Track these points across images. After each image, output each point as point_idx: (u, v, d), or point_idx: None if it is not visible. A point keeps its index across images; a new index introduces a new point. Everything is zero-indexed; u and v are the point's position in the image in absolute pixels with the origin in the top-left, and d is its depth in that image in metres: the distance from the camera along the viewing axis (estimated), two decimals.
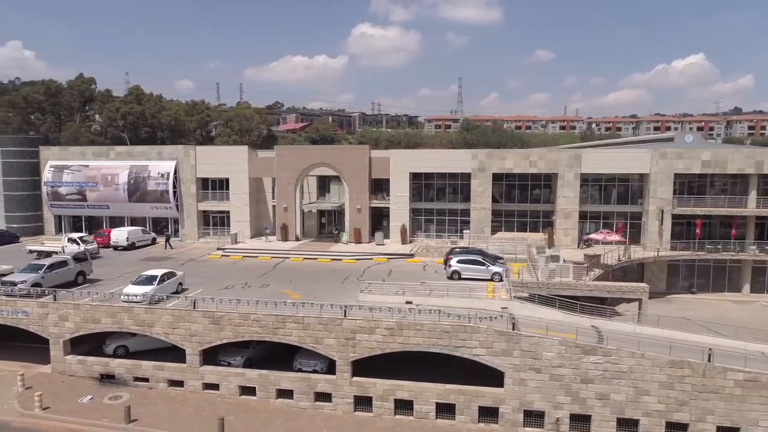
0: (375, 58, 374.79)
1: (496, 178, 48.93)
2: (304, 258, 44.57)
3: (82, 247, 42.88)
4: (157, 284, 31.72)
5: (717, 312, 40.79)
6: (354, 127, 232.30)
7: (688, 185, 46.66)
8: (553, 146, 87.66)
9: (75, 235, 45.59)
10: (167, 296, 31.34)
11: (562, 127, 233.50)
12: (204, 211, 53.37)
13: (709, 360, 24.45)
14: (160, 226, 54.02)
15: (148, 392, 29.38)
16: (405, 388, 27.08)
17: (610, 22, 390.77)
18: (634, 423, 25.24)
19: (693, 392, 24.51)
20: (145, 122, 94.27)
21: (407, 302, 30.95)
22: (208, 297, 30.13)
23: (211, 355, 29.75)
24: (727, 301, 43.88)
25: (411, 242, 48.47)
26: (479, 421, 26.64)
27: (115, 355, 30.90)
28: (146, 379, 29.75)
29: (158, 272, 32.93)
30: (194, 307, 29.08)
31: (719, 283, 45.94)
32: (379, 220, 50.71)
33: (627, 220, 47.31)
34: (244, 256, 45.24)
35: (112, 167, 53.30)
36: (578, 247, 46.00)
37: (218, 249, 47.37)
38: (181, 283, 34.20)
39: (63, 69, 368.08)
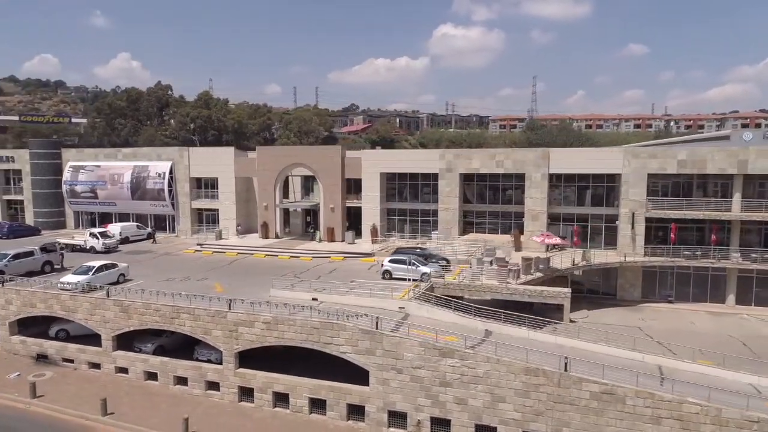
0: (456, 58, 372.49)
1: (468, 178, 48.20)
2: (267, 255, 46.25)
3: (100, 241, 46.96)
4: (93, 274, 34.47)
5: (682, 324, 37.92)
6: (422, 128, 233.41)
7: (673, 187, 43.56)
8: (621, 145, 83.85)
9: (96, 230, 49.71)
10: (102, 286, 33.89)
11: (637, 126, 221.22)
12: (197, 209, 56.56)
13: (565, 369, 23.24)
14: (161, 222, 57.88)
15: (71, 372, 32.21)
16: (281, 382, 27.87)
17: (712, 9, 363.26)
18: (492, 430, 24.47)
19: (549, 402, 23.41)
20: (212, 126, 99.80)
21: (313, 299, 31.70)
22: (132, 287, 32.54)
23: (130, 341, 32.05)
24: (704, 313, 40.47)
25: (381, 242, 48.73)
26: (348, 419, 26.88)
27: (56, 338, 34.01)
28: (71, 360, 32.53)
29: (97, 263, 35.74)
30: (108, 296, 31.44)
31: (700, 293, 42.41)
32: (357, 219, 51.38)
33: (602, 223, 44.88)
34: (213, 252, 47.67)
35: (119, 167, 57.86)
36: (546, 250, 44.22)
37: (198, 244, 50.18)
38: (123, 274, 36.85)
39: (164, 77, 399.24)
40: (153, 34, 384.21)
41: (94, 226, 57.29)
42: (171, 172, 55.92)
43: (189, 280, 37.71)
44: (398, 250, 40.85)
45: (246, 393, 28.75)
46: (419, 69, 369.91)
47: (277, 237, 52.29)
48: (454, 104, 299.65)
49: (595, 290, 44.58)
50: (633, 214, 42.16)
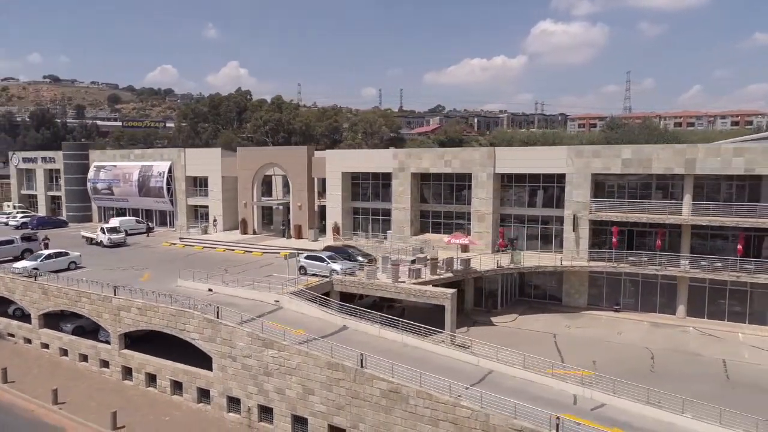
0: (556, 55, 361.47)
1: (425, 178, 48.08)
2: (226, 249, 49.09)
3: (107, 236, 51.85)
4: (41, 261, 38.95)
5: (607, 333, 35.75)
6: (500, 128, 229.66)
7: (628, 188, 40.85)
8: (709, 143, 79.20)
9: (106, 226, 54.83)
10: (51, 271, 38.10)
11: (735, 123, 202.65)
12: (193, 206, 60.85)
13: (361, 365, 23.46)
14: (164, 217, 62.93)
15: (13, 346, 36.74)
16: (151, 363, 30.24)
17: None
18: (305, 421, 25.15)
19: (348, 397, 23.72)
20: (282, 128, 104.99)
21: (209, 290, 33.89)
22: (72, 274, 36.60)
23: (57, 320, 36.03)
24: (646, 323, 37.68)
25: (344, 239, 49.83)
26: (199, 402, 28.67)
27: (14, 316, 38.82)
28: (13, 335, 37.10)
29: (47, 252, 40.29)
30: (35, 280, 35.56)
31: (649, 302, 39.39)
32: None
33: (552, 225, 42.98)
34: (185, 245, 51.34)
35: (130, 167, 63.66)
36: (492, 251, 43.17)
37: (179, 238, 54.18)
38: (74, 262, 41.16)
39: (268, 83, 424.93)
40: (258, 43, 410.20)
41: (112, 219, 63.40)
42: (170, 171, 60.67)
43: (132, 269, 41.26)
44: (327, 248, 41.89)
45: (128, 372, 31.39)
46: (516, 68, 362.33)
47: (254, 233, 55.08)
48: (543, 103, 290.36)
49: (542, 295, 42.88)
50: (574, 216, 40.09)
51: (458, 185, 46.90)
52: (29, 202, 75.69)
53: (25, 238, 45.78)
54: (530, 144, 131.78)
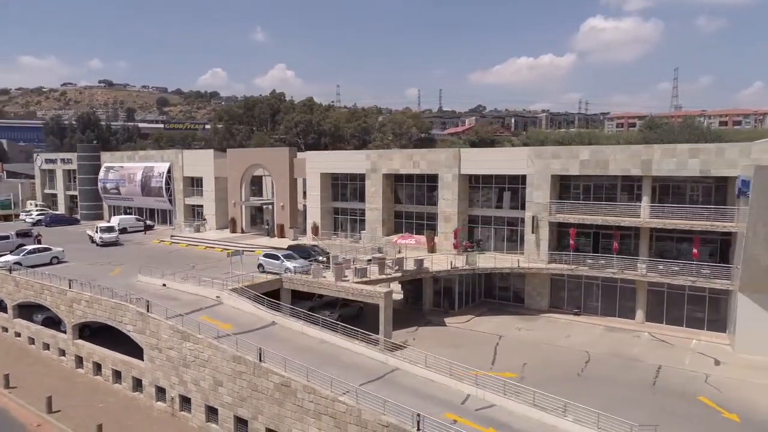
0: (606, 53, 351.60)
1: (399, 179, 48.54)
2: (206, 247, 50.98)
3: (97, 235, 54.20)
4: (23, 255, 41.70)
5: (554, 337, 35.31)
6: (540, 127, 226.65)
7: (594, 190, 40.15)
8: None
9: (100, 225, 57.80)
10: (33, 265, 40.78)
11: None
12: (190, 205, 63.26)
13: (259, 359, 24.36)
14: (165, 216, 65.66)
15: None
16: (97, 353, 32.12)
17: None
18: (216, 412, 26.26)
19: (249, 389, 24.68)
20: (312, 129, 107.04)
21: (163, 285, 35.60)
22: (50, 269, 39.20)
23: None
24: (601, 327, 36.97)
25: (322, 238, 50.89)
26: (134, 390, 30.26)
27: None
28: None
29: (30, 247, 43.05)
30: (9, 272, 38.17)
31: (610, 306, 38.59)
32: None
33: (518, 227, 42.64)
34: (172, 243, 53.56)
35: (134, 168, 66.74)
36: (458, 252, 43.20)
37: (171, 236, 56.54)
38: (57, 257, 43.79)
39: (313, 84, 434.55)
40: (304, 45, 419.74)
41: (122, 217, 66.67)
42: (169, 172, 63.28)
43: (109, 264, 43.56)
44: (289, 247, 42.96)
45: (80, 361, 33.37)
46: (564, 66, 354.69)
47: (242, 232, 56.88)
48: (587, 102, 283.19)
49: (507, 297, 42.63)
50: (533, 217, 39.72)
51: (429, 186, 47.11)
52: (51, 200, 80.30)
53: (20, 234, 48.95)
54: (563, 143, 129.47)
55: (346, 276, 35.19)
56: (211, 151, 62.47)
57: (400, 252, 43.14)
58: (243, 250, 38.66)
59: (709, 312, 35.21)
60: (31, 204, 78.10)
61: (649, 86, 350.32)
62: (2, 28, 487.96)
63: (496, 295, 43.14)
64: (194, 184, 62.86)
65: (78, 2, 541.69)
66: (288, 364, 23.60)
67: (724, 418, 24.27)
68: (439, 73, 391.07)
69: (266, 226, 56.36)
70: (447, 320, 38.65)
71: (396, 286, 39.59)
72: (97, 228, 55.27)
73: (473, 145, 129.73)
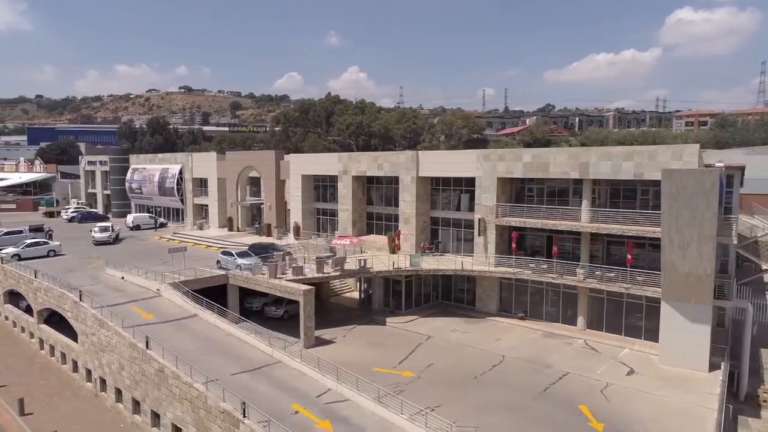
0: (695, 46, 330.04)
1: (370, 181, 49.62)
2: (195, 244, 54.19)
3: (91, 234, 58.99)
4: (23, 248, 46.53)
5: (483, 340, 35.21)
6: (608, 126, 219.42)
7: (547, 193, 39.60)
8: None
9: (98, 225, 60.68)
10: (32, 257, 45.58)
11: None
12: (199, 204, 67.25)
13: (146, 346, 26.54)
14: (178, 214, 70.16)
15: None
16: (51, 337, 35.67)
17: None
18: (121, 393, 28.76)
19: (140, 374, 26.95)
20: (363, 131, 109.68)
21: (122, 277, 38.91)
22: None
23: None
24: (540, 332, 36.43)
25: (303, 238, 52.90)
26: (74, 371, 33.49)
27: None
28: None
29: (29, 240, 47.86)
30: (2, 263, 42.86)
31: (553, 312, 37.86)
32: None
33: (473, 229, 42.54)
34: (169, 239, 57.39)
35: (153, 170, 71.75)
36: (417, 253, 43.80)
37: (174, 233, 60.55)
38: (53, 250, 48.41)
39: (385, 86, 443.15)
40: (377, 47, 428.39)
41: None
42: (180, 173, 67.59)
43: (98, 258, 47.58)
44: (253, 245, 45.13)
45: (41, 343, 37.16)
46: (647, 62, 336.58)
47: (238, 230, 59.99)
48: (665, 100, 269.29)
49: (462, 299, 42.71)
50: (479, 220, 39.67)
51: (396, 188, 47.82)
52: (93, 199, 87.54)
53: (33, 229, 54.29)
54: (625, 144, 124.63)
55: (284, 274, 36.80)
56: (214, 153, 66.13)
57: (363, 252, 44.39)
58: (186, 247, 41.09)
59: (647, 321, 33.85)
60: (74, 202, 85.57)
61: (743, 81, 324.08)
62: (102, 38, 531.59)
63: (452, 297, 43.27)
64: (202, 185, 66.76)
65: (166, 13, 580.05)
66: (166, 352, 25.58)
67: (589, 427, 23.80)
68: (513, 72, 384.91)
69: (257, 225, 59.10)
70: (390, 320, 39.30)
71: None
72: (93, 228, 58.53)
73: (527, 145, 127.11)
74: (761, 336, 40.54)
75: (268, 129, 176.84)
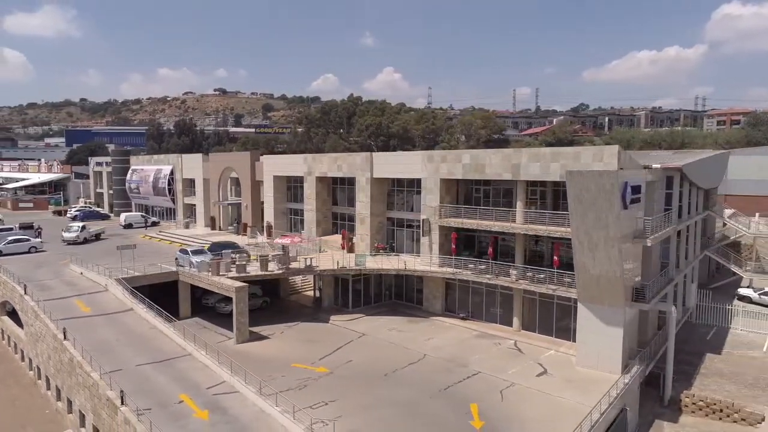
0: (743, 42, 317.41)
1: (334, 182, 50.56)
2: (172, 242, 56.17)
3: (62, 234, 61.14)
4: (4, 244, 49.31)
5: (413, 338, 35.65)
6: (638, 126, 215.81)
7: (492, 194, 39.75)
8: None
9: (71, 225, 62.38)
10: (13, 253, 48.34)
11: None
12: (189, 204, 69.48)
13: (64, 337, 28.17)
14: (171, 213, 72.66)
15: None
16: (9, 327, 37.90)
17: None
18: (49, 380, 30.50)
19: (59, 363, 28.62)
20: (382, 132, 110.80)
21: (80, 273, 41.00)
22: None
23: None
24: (476, 332, 36.58)
25: (271, 237, 54.24)
26: (22, 360, 35.56)
27: None
28: None
29: (12, 237, 50.64)
30: None
31: (492, 312, 37.99)
32: None
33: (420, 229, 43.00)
34: (151, 238, 59.61)
35: (149, 170, 74.47)
36: (370, 253, 44.52)
37: (159, 232, 62.85)
38: (35, 247, 51.10)
39: (420, 87, 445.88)
40: (412, 48, 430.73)
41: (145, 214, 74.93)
42: (172, 174, 70.00)
43: (74, 255, 49.95)
44: (213, 244, 46.61)
45: (2, 333, 39.48)
46: (692, 59, 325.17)
47: (219, 229, 61.84)
48: (705, 98, 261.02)
49: (412, 299, 43.17)
50: (423, 220, 40.13)
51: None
52: (101, 198, 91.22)
53: (23, 227, 57.30)
54: (653, 144, 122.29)
55: (229, 272, 38.06)
56: (200, 155, 68.17)
57: (321, 250, 45.45)
58: (134, 245, 42.74)
59: (575, 323, 33.58)
60: (81, 201, 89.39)
61: None
62: (147, 43, 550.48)
63: (404, 297, 43.76)
64: (191, 185, 68.95)
65: (206, 17, 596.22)
66: (80, 344, 27.12)
67: (469, 425, 24.11)
68: (550, 71, 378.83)
69: (235, 224, 60.80)
70: (335, 318, 40.11)
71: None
72: (64, 228, 59.22)
73: (549, 145, 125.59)
74: (717, 339, 39.89)
75: (291, 130, 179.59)
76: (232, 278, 36.92)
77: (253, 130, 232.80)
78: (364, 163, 44.82)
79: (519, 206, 35.82)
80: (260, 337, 35.77)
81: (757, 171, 78.25)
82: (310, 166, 49.94)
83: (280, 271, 39.37)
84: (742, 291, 46.12)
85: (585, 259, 28.82)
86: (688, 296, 42.89)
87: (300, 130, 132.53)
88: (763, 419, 28.45)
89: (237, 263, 38.62)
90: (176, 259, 43.31)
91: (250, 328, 36.53)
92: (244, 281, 37.47)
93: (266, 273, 38.91)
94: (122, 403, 22.27)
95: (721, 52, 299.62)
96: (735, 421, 29.06)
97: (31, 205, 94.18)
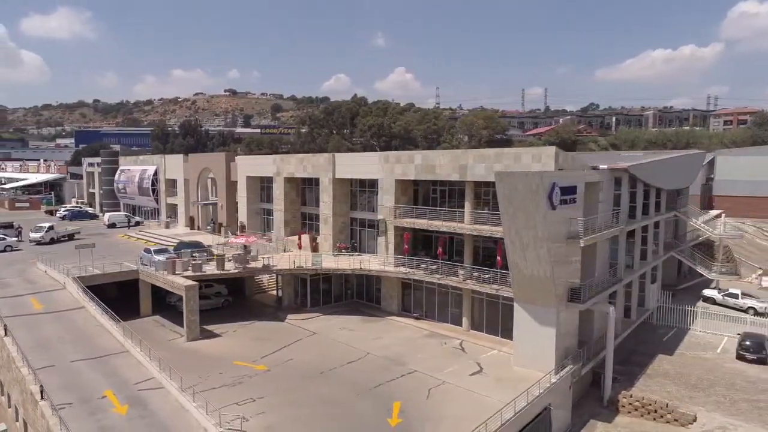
0: (759, 40, 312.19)
1: (303, 182, 51.08)
2: (147, 241, 57.04)
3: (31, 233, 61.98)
4: None
5: (362, 337, 35.99)
6: (646, 126, 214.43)
7: (450, 194, 40.01)
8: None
9: (39, 225, 64.79)
10: None
11: None
12: (172, 204, 70.45)
13: (5, 333, 28.95)
14: (156, 213, 73.71)
15: None
16: None
17: None
18: None
19: (2, 359, 29.41)
20: (383, 132, 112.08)
21: (45, 271, 41.94)
22: None
23: None
24: (426, 332, 36.90)
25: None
26: None
27: None
28: None
29: None
30: None
31: (444, 312, 38.27)
32: None
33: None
34: (129, 237, 60.60)
35: (135, 171, 75.62)
36: (332, 253, 44.99)
37: (139, 231, 63.85)
38: (10, 246, 52.27)
39: (432, 87, 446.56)
40: (424, 48, 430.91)
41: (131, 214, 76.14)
42: (155, 174, 71.02)
43: (46, 254, 50.98)
44: (180, 243, 47.26)
45: None
46: (708, 57, 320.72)
47: (198, 229, 62.68)
48: (717, 98, 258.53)
49: (372, 299, 43.54)
50: (379, 220, 40.52)
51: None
52: (94, 198, 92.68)
53: (2, 226, 58.51)
54: (658, 144, 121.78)
55: (186, 270, 38.70)
56: (181, 156, 69.07)
57: (285, 250, 45.96)
58: (93, 245, 43.49)
59: None
60: (73, 201, 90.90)
61: None
62: (161, 45, 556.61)
63: (365, 296, 44.13)
64: (174, 185, 69.91)
65: (219, 17, 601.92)
66: (16, 339, 27.88)
67: (386, 423, 24.44)
68: (562, 71, 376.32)
69: (211, 224, 61.58)
70: (292, 317, 40.55)
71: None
72: (32, 228, 58.77)
73: (552, 145, 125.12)
74: (673, 341, 39.86)
75: (295, 131, 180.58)
76: (188, 277, 37.56)
77: (258, 130, 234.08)
78: (326, 164, 45.28)
79: (467, 207, 36.03)
80: (212, 335, 36.29)
81: (746, 172, 77.68)
82: (279, 167, 50.51)
83: (236, 271, 39.91)
84: (706, 292, 45.95)
85: (517, 259, 29.01)
86: (648, 297, 42.76)
87: (303, 130, 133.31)
88: (694, 420, 28.48)
89: (193, 263, 39.24)
90: (141, 258, 44.05)
91: (208, 326, 37.27)
92: (201, 280, 38.32)
93: (222, 272, 39.47)
94: (42, 398, 22.91)
95: (737, 50, 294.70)
96: (668, 422, 29.12)
97: (27, 204, 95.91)
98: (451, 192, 39.34)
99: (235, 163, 57.58)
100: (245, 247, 44.61)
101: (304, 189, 51.39)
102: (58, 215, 79.93)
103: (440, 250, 37.19)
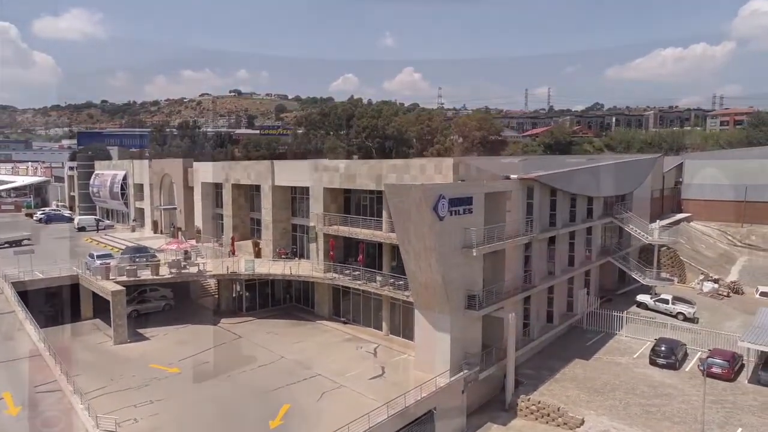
0: None
1: (253, 188, 52.35)
2: (106, 245, 58.62)
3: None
4: None
5: (279, 341, 37.23)
6: (647, 126, 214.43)
7: (378, 202, 41.14)
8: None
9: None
10: None
11: None
12: (140, 208, 72.08)
13: None
14: (126, 217, 75.42)
15: None
16: None
17: None
18: None
19: None
20: (378, 133, 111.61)
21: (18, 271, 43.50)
22: None
23: None
24: (349, 336, 38.14)
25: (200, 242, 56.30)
26: None
27: None
28: None
29: None
30: None
31: (368, 317, 39.41)
32: None
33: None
34: (92, 241, 62.25)
35: (107, 175, 77.36)
36: (272, 258, 46.23)
37: (106, 235, 65.52)
38: None
39: (437, 87, 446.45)
40: (432, 48, 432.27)
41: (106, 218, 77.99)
42: (125, 179, 72.69)
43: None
44: (126, 248, 48.80)
45: None
46: (719, 56, 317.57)
47: (161, 233, 64.24)
48: (723, 96, 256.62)
49: (308, 304, 44.74)
50: (310, 227, 41.73)
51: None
52: (74, 201, 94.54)
53: None
54: (653, 145, 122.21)
55: (122, 275, 40.15)
56: (147, 161, 70.65)
57: (234, 254, 47.35)
58: (33, 249, 45.00)
59: None
60: (55, 203, 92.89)
61: None
62: (169, 46, 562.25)
63: (302, 301, 45.30)
64: (141, 190, 71.52)
65: (228, 18, 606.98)
66: None
67: (265, 424, 25.69)
68: (571, 70, 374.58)
69: (172, 228, 63.06)
70: (225, 320, 41.79)
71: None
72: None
73: (547, 146, 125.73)
74: (596, 346, 40.63)
75: (292, 132, 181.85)
76: (122, 282, 39.04)
77: (258, 131, 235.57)
78: (266, 172, 46.56)
79: (384, 215, 37.12)
80: (142, 338, 37.69)
81: (712, 176, 78.16)
82: (227, 174, 51.87)
83: (170, 276, 41.28)
84: (640, 297, 46.67)
85: (413, 267, 30.11)
86: (576, 303, 43.60)
87: (300, 131, 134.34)
88: (581, 423, 29.43)
89: (128, 268, 40.68)
90: (86, 262, 45.55)
91: (144, 329, 38.83)
92: (141, 285, 39.93)
93: (156, 278, 40.87)
94: None
95: (749, 48, 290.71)
96: (558, 425, 30.04)
97: (12, 207, 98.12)
98: (378, 200, 40.42)
99: (192, 169, 59.01)
100: (186, 252, 46.14)
101: (253, 195, 52.65)
102: (35, 218, 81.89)
103: (361, 257, 38.33)
